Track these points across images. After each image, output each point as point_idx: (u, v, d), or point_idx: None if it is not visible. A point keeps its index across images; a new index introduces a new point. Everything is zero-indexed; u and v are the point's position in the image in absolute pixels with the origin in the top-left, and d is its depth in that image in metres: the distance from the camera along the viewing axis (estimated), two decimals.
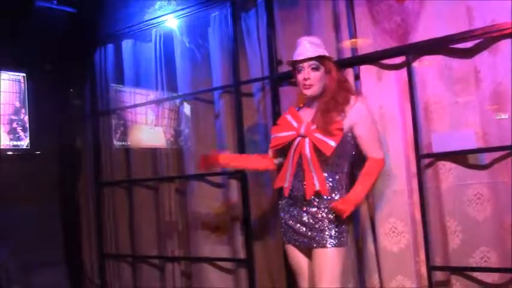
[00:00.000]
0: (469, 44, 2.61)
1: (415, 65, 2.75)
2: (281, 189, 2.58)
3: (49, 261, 4.28)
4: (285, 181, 2.52)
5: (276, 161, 2.74)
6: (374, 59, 2.88)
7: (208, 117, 3.72)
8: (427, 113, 2.73)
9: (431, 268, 2.67)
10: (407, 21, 2.79)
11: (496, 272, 2.57)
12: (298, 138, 2.47)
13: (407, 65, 2.74)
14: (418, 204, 2.74)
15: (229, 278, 3.59)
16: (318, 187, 2.40)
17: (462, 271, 2.65)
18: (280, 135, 2.55)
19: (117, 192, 4.28)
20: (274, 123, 2.78)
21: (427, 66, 2.74)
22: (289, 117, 2.58)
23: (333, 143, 2.36)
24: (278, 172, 2.65)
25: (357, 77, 2.94)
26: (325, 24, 3.06)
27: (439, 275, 2.71)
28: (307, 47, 2.45)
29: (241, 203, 3.38)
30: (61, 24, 4.12)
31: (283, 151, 2.58)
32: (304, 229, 2.47)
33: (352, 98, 2.45)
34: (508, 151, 2.52)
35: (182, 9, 3.73)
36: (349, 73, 2.95)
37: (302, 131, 2.46)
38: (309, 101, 2.57)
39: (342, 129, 2.37)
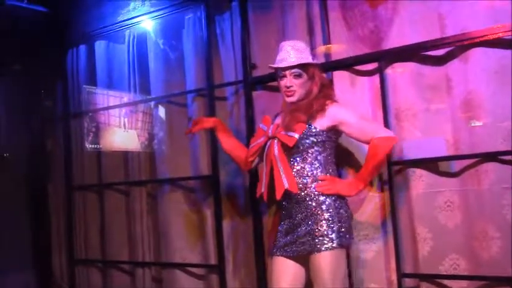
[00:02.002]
0: (440, 52, 2.61)
1: (388, 71, 2.75)
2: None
3: (17, 266, 4.20)
4: (262, 186, 2.46)
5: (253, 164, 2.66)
6: (347, 64, 2.87)
7: (182, 120, 3.67)
8: (399, 120, 2.73)
9: (402, 275, 2.66)
10: (380, 27, 2.79)
11: (466, 280, 2.57)
12: (269, 142, 2.45)
13: (379, 71, 2.74)
14: (389, 211, 2.73)
15: (200, 284, 3.54)
16: (286, 185, 2.33)
17: (432, 278, 2.65)
18: (254, 144, 2.55)
19: (88, 196, 4.20)
20: (248, 127, 2.77)
21: (399, 73, 2.74)
22: (262, 126, 2.58)
23: (295, 135, 2.32)
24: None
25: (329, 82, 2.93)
26: (299, 28, 3.04)
27: (409, 282, 2.70)
28: (290, 53, 2.38)
29: (213, 207, 3.34)
30: (32, 24, 4.04)
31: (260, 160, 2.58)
32: (297, 236, 2.35)
33: (328, 103, 2.38)
34: (479, 159, 2.52)
35: (156, 10, 3.68)
36: None
37: (270, 133, 2.45)
38: (288, 105, 2.49)
39: (304, 122, 2.33)
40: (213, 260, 3.39)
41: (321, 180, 2.35)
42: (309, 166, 2.36)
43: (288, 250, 2.38)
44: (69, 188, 4.25)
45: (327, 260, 2.26)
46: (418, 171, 2.68)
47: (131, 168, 3.93)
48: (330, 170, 2.40)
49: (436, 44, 2.58)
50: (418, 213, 2.67)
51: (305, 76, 2.39)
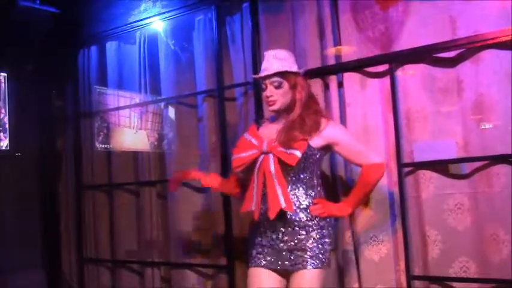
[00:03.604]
0: (452, 54, 2.61)
1: (398, 73, 2.75)
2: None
3: (27, 265, 4.22)
4: (252, 203, 2.32)
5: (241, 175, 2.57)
6: (358, 66, 2.87)
7: (191, 121, 3.69)
8: (409, 122, 2.73)
9: (411, 278, 2.66)
10: (391, 29, 2.79)
11: (476, 283, 2.56)
12: (262, 156, 2.32)
13: (390, 73, 2.74)
14: (399, 213, 2.73)
15: (209, 284, 3.55)
16: (283, 204, 2.23)
17: (442, 281, 2.65)
18: (241, 155, 2.38)
19: (98, 196, 4.23)
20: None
21: (410, 75, 2.74)
22: (248, 137, 2.44)
23: (298, 153, 2.23)
24: (243, 193, 2.46)
25: (340, 84, 2.93)
26: (309, 30, 3.05)
27: (418, 285, 2.69)
28: (271, 62, 2.32)
29: (223, 208, 3.35)
30: (44, 24, 4.06)
31: (245, 173, 2.44)
32: (281, 252, 2.28)
33: (323, 121, 2.32)
34: (489, 161, 2.52)
35: (167, 12, 3.70)
36: (333, 80, 2.95)
37: (264, 148, 2.31)
38: (272, 116, 2.46)
39: (305, 140, 2.26)
40: (222, 260, 3.40)
41: (315, 203, 2.31)
42: (303, 187, 2.30)
43: (272, 262, 2.30)
44: (79, 187, 4.28)
45: (312, 278, 2.23)
46: (428, 174, 2.68)
47: (141, 169, 3.95)
48: (319, 189, 2.36)
49: (447, 46, 2.58)
50: (428, 215, 2.67)
51: (286, 85, 2.31)
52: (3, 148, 4.19)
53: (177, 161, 3.73)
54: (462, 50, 2.58)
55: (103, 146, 4.23)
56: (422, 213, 2.69)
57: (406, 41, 2.73)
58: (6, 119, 4.19)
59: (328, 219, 2.35)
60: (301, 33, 3.09)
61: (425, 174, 2.69)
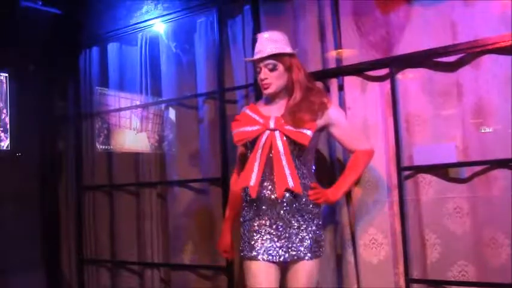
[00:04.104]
0: (452, 58, 2.62)
1: (399, 77, 2.76)
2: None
3: (27, 265, 4.21)
4: (251, 179, 2.23)
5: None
6: (358, 70, 2.88)
7: (192, 123, 3.70)
8: (409, 126, 2.74)
9: (409, 281, 2.67)
10: (392, 33, 2.80)
11: (474, 287, 2.58)
12: (267, 132, 2.25)
13: (390, 77, 2.75)
14: (398, 216, 2.74)
15: (208, 285, 3.56)
16: (291, 184, 2.18)
17: (440, 285, 2.66)
18: (244, 129, 2.31)
19: (98, 197, 4.23)
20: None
21: (410, 79, 2.75)
22: (250, 113, 2.37)
23: (309, 132, 2.21)
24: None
25: (340, 88, 2.95)
26: (310, 33, 3.06)
27: None
28: (264, 45, 2.28)
29: (222, 209, 3.35)
30: (46, 25, 4.09)
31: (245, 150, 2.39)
32: (278, 240, 2.22)
33: (327, 101, 2.35)
34: (489, 165, 2.53)
35: (169, 14, 3.71)
36: (333, 83, 2.96)
37: (272, 124, 2.25)
38: (267, 99, 2.41)
39: (315, 120, 2.27)
40: (222, 262, 3.41)
41: (312, 188, 2.30)
42: (306, 170, 2.30)
43: (270, 253, 2.22)
44: (79, 188, 4.29)
45: (308, 269, 2.24)
46: (428, 177, 2.69)
47: (141, 170, 3.96)
48: (313, 172, 2.40)
49: (447, 50, 2.59)
50: (427, 219, 2.68)
51: (281, 67, 2.28)
52: (4, 148, 4.20)
53: (177, 162, 3.74)
54: (462, 54, 2.59)
55: (104, 146, 4.24)
56: (422, 217, 2.70)
57: (406, 45, 2.74)
58: (7, 119, 4.20)
59: (320, 206, 2.36)
60: (302, 36, 3.10)
61: (425, 178, 2.70)
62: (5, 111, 4.19)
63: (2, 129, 4.18)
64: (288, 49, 2.31)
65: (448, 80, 2.65)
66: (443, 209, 2.64)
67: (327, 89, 2.97)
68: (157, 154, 3.94)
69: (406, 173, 2.74)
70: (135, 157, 4.03)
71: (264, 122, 2.29)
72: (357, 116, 2.88)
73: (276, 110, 2.35)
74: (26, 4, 3.87)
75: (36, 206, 4.44)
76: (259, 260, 2.23)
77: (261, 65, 2.29)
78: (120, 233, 4.06)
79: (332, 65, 2.99)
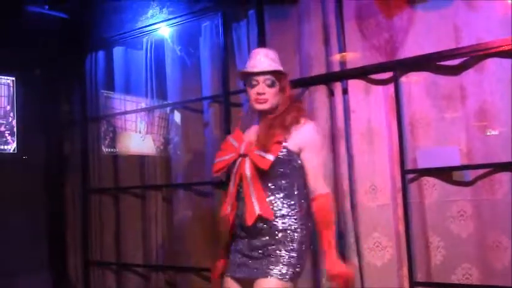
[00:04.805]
0: (455, 62, 2.64)
1: (402, 80, 2.77)
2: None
3: (33, 267, 4.25)
4: (228, 207, 2.22)
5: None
6: (362, 73, 2.90)
7: (197, 126, 3.72)
8: (413, 129, 2.75)
9: (414, 284, 2.67)
10: (395, 37, 2.82)
11: None
12: (240, 159, 2.21)
13: (394, 80, 2.76)
14: (402, 219, 2.75)
15: None
16: (258, 211, 2.11)
17: (444, 287, 2.66)
18: (222, 158, 2.28)
19: (104, 199, 4.26)
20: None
21: (414, 82, 2.76)
22: (231, 139, 2.35)
23: (270, 157, 2.11)
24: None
25: (345, 91, 2.96)
26: (315, 37, 3.08)
27: None
28: (262, 60, 2.23)
29: None
30: (52, 30, 4.13)
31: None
32: (252, 260, 2.15)
33: (302, 119, 2.23)
34: (492, 169, 2.53)
35: (174, 18, 3.75)
36: (338, 87, 2.97)
37: (242, 150, 2.22)
38: (261, 121, 2.30)
39: (280, 143, 2.15)
40: None
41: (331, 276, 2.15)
42: (282, 194, 2.17)
43: (238, 271, 2.19)
44: (85, 191, 4.32)
45: (269, 286, 2.08)
46: (432, 180, 2.70)
47: (147, 173, 3.98)
48: (302, 201, 2.21)
49: (451, 54, 2.61)
50: (430, 222, 2.69)
51: (277, 86, 2.23)
52: (11, 151, 4.24)
53: (183, 165, 3.76)
54: (466, 58, 2.60)
55: (109, 149, 4.27)
56: (426, 220, 2.71)
57: (410, 48, 2.76)
58: (14, 123, 4.23)
59: (310, 232, 2.21)
60: (306, 40, 3.12)
61: (429, 181, 2.71)
62: (12, 114, 4.22)
63: (9, 132, 4.22)
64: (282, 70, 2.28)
65: (451, 83, 2.67)
66: (447, 212, 2.65)
67: (331, 93, 3.00)
68: (162, 157, 3.96)
69: (410, 176, 2.75)
70: (140, 160, 4.06)
71: (237, 146, 2.26)
72: (361, 119, 2.89)
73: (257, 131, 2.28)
74: (33, 9, 3.90)
75: (43, 209, 4.48)
76: (228, 276, 2.23)
77: (260, 78, 2.22)
78: (126, 236, 4.08)
79: (336, 68, 3.01)
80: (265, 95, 2.21)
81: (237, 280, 2.21)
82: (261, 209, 2.12)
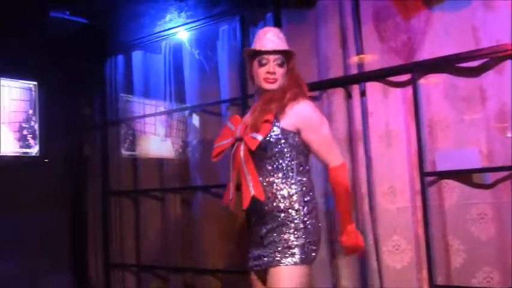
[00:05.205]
0: (474, 63, 2.62)
1: (421, 82, 2.76)
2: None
3: (55, 268, 4.31)
4: (230, 194, 2.22)
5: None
6: (380, 76, 2.89)
7: (215, 129, 3.73)
8: (432, 131, 2.74)
9: (434, 287, 2.66)
10: (413, 39, 2.81)
11: None
12: (237, 143, 2.20)
13: (412, 82, 2.75)
14: (421, 222, 2.74)
15: None
16: (252, 192, 2.09)
17: None
18: (220, 143, 2.28)
19: (124, 202, 4.31)
20: None
21: (433, 84, 2.75)
22: (229, 124, 2.34)
23: (259, 137, 2.09)
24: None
25: (362, 94, 2.96)
26: (332, 40, 3.08)
27: None
28: (273, 39, 2.21)
29: (246, 214, 3.39)
30: (73, 35, 4.19)
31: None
32: (262, 248, 2.16)
33: (301, 98, 2.20)
34: None
35: (192, 22, 3.78)
36: (355, 89, 2.97)
37: (238, 134, 2.21)
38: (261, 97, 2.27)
39: (270, 122, 2.11)
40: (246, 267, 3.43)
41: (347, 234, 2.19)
42: (280, 174, 2.15)
43: (255, 264, 2.19)
44: (105, 193, 4.38)
45: (285, 276, 2.05)
46: (451, 183, 2.68)
47: (166, 175, 4.02)
48: (305, 179, 2.19)
49: (470, 55, 2.59)
50: (450, 224, 2.67)
51: (285, 66, 2.22)
52: (33, 154, 4.31)
53: (201, 168, 3.79)
54: (485, 59, 2.58)
55: (129, 152, 4.32)
56: (446, 222, 2.69)
57: (428, 50, 2.75)
58: (36, 126, 4.31)
59: (315, 213, 2.19)
60: (323, 43, 3.12)
61: (449, 184, 2.69)
62: (34, 118, 4.30)
63: (31, 135, 4.29)
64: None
65: (471, 85, 2.65)
66: (467, 215, 2.62)
67: (349, 95, 2.99)
68: (181, 160, 3.99)
69: (429, 178, 2.73)
70: (159, 163, 4.10)
71: (234, 131, 2.25)
72: (379, 122, 2.88)
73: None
74: (54, 14, 3.97)
75: (64, 211, 4.54)
76: (252, 274, 2.26)
77: (270, 57, 2.19)
78: (146, 237, 4.12)
79: (354, 71, 3.00)
80: (275, 75, 2.19)
81: (258, 272, 2.21)
82: (255, 190, 2.09)
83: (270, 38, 2.22)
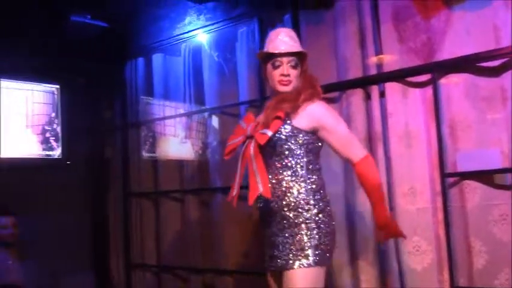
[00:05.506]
0: (495, 63, 2.58)
1: (441, 82, 2.74)
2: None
3: (78, 268, 4.37)
4: (234, 190, 2.21)
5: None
6: (400, 76, 2.87)
7: None
8: (453, 131, 2.71)
9: None
10: (433, 39, 2.79)
11: None
12: (247, 140, 2.20)
13: (433, 82, 2.73)
14: (442, 223, 2.72)
15: None
16: (261, 189, 2.07)
17: None
18: (232, 141, 2.29)
19: (144, 203, 4.36)
20: None
21: (453, 84, 2.72)
22: (241, 122, 2.34)
23: (269, 133, 2.09)
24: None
25: (382, 94, 2.94)
26: (351, 40, 3.07)
27: None
28: (286, 41, 2.19)
29: None
30: (94, 38, 4.25)
31: None
32: (276, 249, 2.14)
33: (316, 99, 2.19)
34: None
35: (211, 24, 3.81)
36: (375, 90, 2.96)
37: (248, 131, 2.21)
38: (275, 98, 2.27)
39: (280, 118, 2.11)
40: None
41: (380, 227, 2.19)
42: (290, 172, 2.13)
43: (271, 265, 2.19)
44: (126, 194, 4.43)
45: (299, 279, 2.04)
46: (473, 184, 2.65)
47: (186, 177, 4.05)
48: (314, 178, 2.16)
49: (490, 55, 2.56)
50: (472, 226, 2.64)
51: (299, 68, 2.20)
52: (56, 156, 4.38)
53: (220, 169, 3.81)
54: (506, 59, 2.54)
55: (149, 154, 4.37)
56: (467, 224, 2.66)
57: (448, 50, 2.72)
58: (58, 129, 4.38)
59: (329, 213, 2.17)
60: (342, 43, 3.11)
61: (470, 184, 2.66)
62: (56, 121, 4.37)
63: (54, 138, 4.36)
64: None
65: (492, 84, 2.61)
66: (489, 216, 2.59)
67: (368, 96, 2.98)
68: (201, 161, 4.02)
69: (450, 179, 2.71)
70: (179, 164, 4.13)
71: (245, 129, 2.25)
72: (398, 123, 2.87)
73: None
74: (76, 19, 4.03)
75: (86, 212, 4.61)
76: (269, 274, 2.26)
77: (284, 59, 2.17)
78: (166, 238, 4.16)
79: (373, 71, 2.99)
80: (289, 77, 2.17)
81: (273, 272, 2.20)
82: (263, 187, 2.08)
83: (282, 39, 2.20)
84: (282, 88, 2.19)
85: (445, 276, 2.70)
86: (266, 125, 2.12)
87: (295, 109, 2.15)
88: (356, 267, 2.98)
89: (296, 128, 2.14)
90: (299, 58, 2.21)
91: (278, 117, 2.11)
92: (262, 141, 2.10)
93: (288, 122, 2.14)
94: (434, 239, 2.75)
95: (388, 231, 2.20)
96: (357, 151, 2.19)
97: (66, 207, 4.30)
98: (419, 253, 2.78)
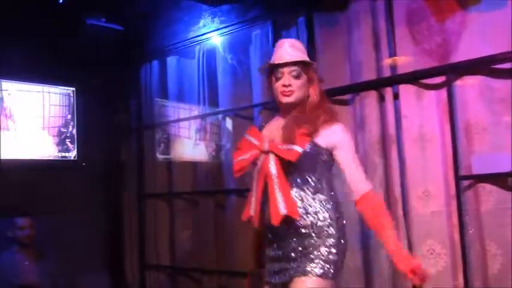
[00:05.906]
0: (511, 65, 2.56)
1: (456, 85, 2.72)
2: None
3: (93, 269, 4.41)
4: (251, 209, 2.12)
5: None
6: (414, 78, 2.86)
7: None
8: (468, 134, 2.69)
9: None
10: (448, 41, 2.77)
11: None
12: (262, 156, 2.10)
13: (447, 85, 2.72)
14: (457, 226, 2.70)
15: None
16: (283, 211, 1.99)
17: None
18: (242, 157, 2.16)
19: (158, 204, 4.39)
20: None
21: (468, 86, 2.71)
22: (248, 137, 2.22)
23: (298, 149, 2.01)
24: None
25: (396, 96, 2.94)
26: (365, 42, 3.07)
27: None
28: (288, 51, 2.11)
29: None
30: (109, 41, 4.29)
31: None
32: (289, 261, 2.06)
33: (334, 121, 2.12)
34: None
35: (225, 27, 3.83)
36: (389, 92, 2.95)
37: (265, 147, 2.09)
38: (277, 116, 2.22)
39: (307, 135, 2.04)
40: None
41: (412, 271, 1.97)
42: (311, 189, 2.07)
43: (278, 277, 2.09)
44: (141, 196, 4.46)
45: (310, 285, 1.99)
46: (488, 187, 2.63)
47: (200, 178, 4.07)
48: (332, 193, 2.12)
49: (506, 57, 2.54)
50: (487, 229, 2.62)
51: (304, 78, 2.11)
52: (72, 158, 4.43)
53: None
54: None
55: (164, 156, 4.40)
56: (482, 227, 2.64)
57: (463, 52, 2.71)
58: (74, 131, 4.43)
59: (344, 230, 2.11)
60: (356, 46, 3.11)
61: (485, 188, 2.64)
62: (72, 123, 4.42)
63: (69, 140, 4.41)
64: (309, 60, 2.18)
65: (507, 86, 2.59)
66: (504, 219, 2.57)
67: (382, 98, 2.98)
68: (215, 163, 4.04)
69: (465, 182, 2.69)
70: (193, 166, 4.15)
71: (259, 144, 2.13)
72: (413, 125, 2.86)
73: (280, 127, 2.17)
74: (91, 22, 4.08)
75: (102, 213, 4.65)
76: (268, 282, 2.15)
77: (285, 70, 2.09)
78: (180, 240, 4.18)
79: (387, 74, 2.98)
80: (291, 87, 2.08)
81: (275, 285, 2.13)
82: (287, 207, 2.01)
83: (286, 50, 2.13)
84: (284, 99, 2.11)
85: (460, 279, 2.68)
86: (290, 141, 2.05)
87: (316, 129, 2.09)
88: (369, 273, 2.97)
89: (317, 145, 2.08)
90: (303, 68, 2.12)
91: (304, 134, 2.05)
92: (294, 158, 2.02)
93: (312, 138, 2.08)
94: (449, 243, 2.74)
95: (417, 275, 1.95)
96: (364, 182, 2.11)
97: (82, 209, 4.35)
98: (433, 256, 2.77)
